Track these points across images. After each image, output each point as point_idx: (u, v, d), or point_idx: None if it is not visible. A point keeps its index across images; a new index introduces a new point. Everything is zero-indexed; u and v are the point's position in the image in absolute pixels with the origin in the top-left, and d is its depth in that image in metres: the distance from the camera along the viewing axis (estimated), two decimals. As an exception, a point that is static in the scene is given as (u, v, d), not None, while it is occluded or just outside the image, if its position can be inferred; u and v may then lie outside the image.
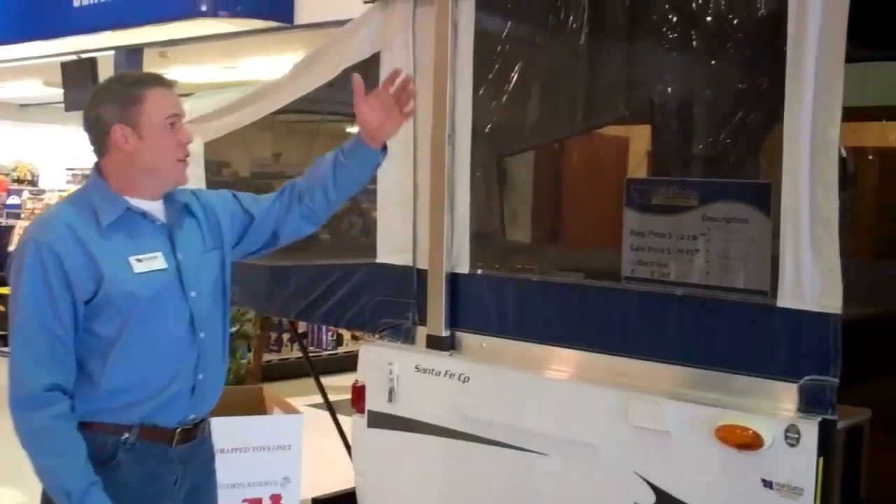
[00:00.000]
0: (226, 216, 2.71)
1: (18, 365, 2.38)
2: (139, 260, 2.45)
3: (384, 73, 3.43)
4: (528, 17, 3.34)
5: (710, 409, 2.61)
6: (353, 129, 5.07)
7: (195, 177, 4.36)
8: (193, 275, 2.54)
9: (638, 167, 5.03)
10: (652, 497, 2.71)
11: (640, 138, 4.97)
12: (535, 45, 3.49)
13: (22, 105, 16.09)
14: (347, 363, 8.08)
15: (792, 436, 2.47)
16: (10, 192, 10.09)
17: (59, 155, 15.50)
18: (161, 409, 2.47)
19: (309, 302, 3.78)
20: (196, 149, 4.34)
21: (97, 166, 2.53)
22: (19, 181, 11.41)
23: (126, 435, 2.43)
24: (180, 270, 2.51)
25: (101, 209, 2.45)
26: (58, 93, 13.55)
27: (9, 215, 9.64)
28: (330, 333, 9.07)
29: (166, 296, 2.48)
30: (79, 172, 9.08)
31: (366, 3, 3.49)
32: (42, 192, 9.54)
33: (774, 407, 2.54)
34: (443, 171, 3.26)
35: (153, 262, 2.47)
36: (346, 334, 9.23)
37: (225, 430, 3.77)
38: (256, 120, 4.16)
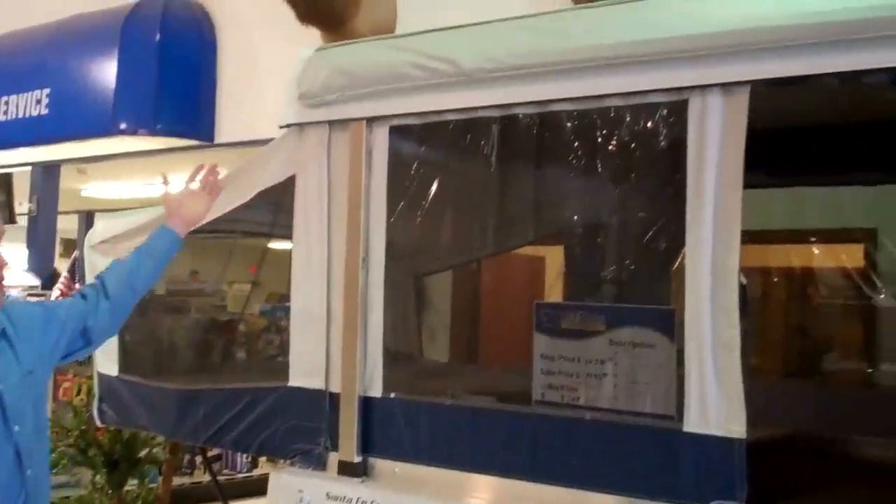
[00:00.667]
0: (37, 328, 2.61)
1: None
2: None
3: (298, 197, 3.46)
4: (440, 142, 3.40)
5: (621, 536, 2.60)
6: (271, 245, 5.07)
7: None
8: (16, 406, 2.39)
9: (554, 286, 5.11)
10: None
11: (556, 258, 5.06)
12: (448, 169, 3.55)
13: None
14: (263, 486, 7.87)
15: (699, 563, 2.47)
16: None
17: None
18: None
19: (219, 427, 3.69)
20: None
21: None
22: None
23: None
24: (3, 404, 2.36)
25: None
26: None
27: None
28: (245, 455, 8.86)
29: None
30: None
31: (281, 127, 3.53)
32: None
33: (683, 533, 2.54)
34: (356, 294, 3.26)
35: None
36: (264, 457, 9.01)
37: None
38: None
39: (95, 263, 4.38)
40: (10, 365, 2.46)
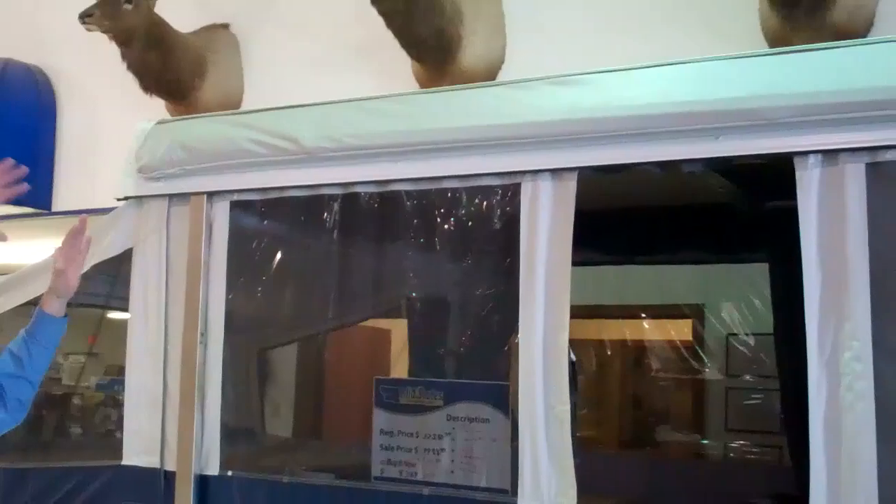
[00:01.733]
0: None
1: None
2: None
3: (136, 271, 3.41)
4: (282, 217, 3.42)
5: None
6: (110, 315, 4.91)
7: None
8: None
9: (399, 359, 5.15)
10: None
11: (401, 330, 5.12)
12: (290, 243, 3.57)
13: None
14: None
15: None
16: None
17: None
18: None
19: (48, 507, 3.56)
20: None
21: None
22: None
23: None
24: None
25: None
26: None
27: None
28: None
29: None
30: None
31: (119, 200, 3.48)
32: None
33: None
34: (194, 371, 3.22)
35: None
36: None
37: None
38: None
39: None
40: None
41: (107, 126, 7.11)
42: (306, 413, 5.55)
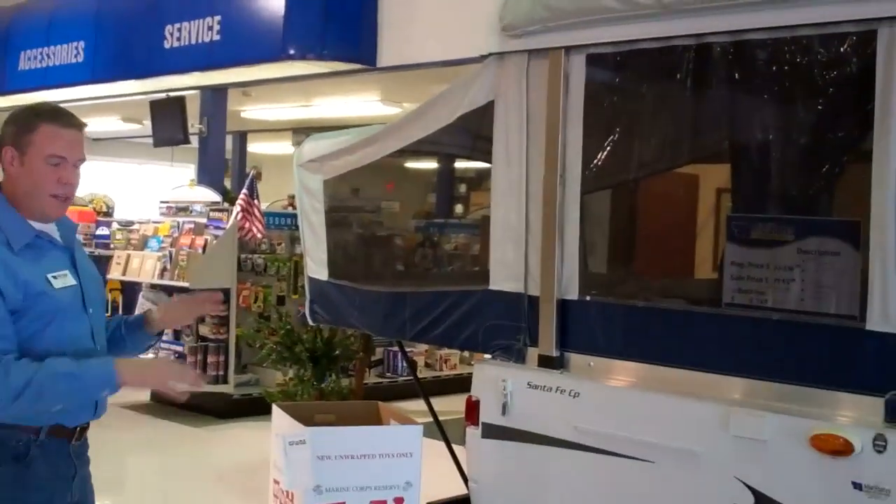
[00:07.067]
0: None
1: None
2: (55, 277, 2.79)
3: (498, 120, 3.81)
4: (632, 69, 3.69)
5: (805, 420, 2.94)
6: (409, 165, 5.36)
7: (314, 210, 4.78)
8: (89, 293, 2.91)
9: (706, 202, 5.35)
10: (751, 499, 3.04)
11: (708, 176, 5.31)
12: (636, 95, 3.85)
13: (95, 139, 16.75)
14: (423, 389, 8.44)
15: (879, 443, 2.79)
16: (98, 224, 10.59)
17: (136, 187, 16.10)
18: (68, 414, 2.78)
19: (424, 325, 4.14)
20: (315, 186, 4.76)
21: None
22: (96, 213, 11.90)
23: (38, 435, 2.73)
24: (82, 288, 2.88)
25: (11, 233, 2.75)
26: (132, 128, 14.18)
27: (97, 245, 10.19)
28: (403, 362, 9.45)
29: (74, 309, 2.84)
30: (173, 205, 9.53)
31: (482, 56, 3.86)
32: (131, 223, 9.98)
33: (862, 418, 2.87)
34: (554, 208, 3.61)
35: (65, 279, 2.82)
36: (420, 362, 9.60)
37: (353, 439, 4.17)
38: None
39: (304, 182, 4.83)
40: (86, 262, 2.97)
41: (427, -15, 7.56)
42: (624, 248, 5.91)
